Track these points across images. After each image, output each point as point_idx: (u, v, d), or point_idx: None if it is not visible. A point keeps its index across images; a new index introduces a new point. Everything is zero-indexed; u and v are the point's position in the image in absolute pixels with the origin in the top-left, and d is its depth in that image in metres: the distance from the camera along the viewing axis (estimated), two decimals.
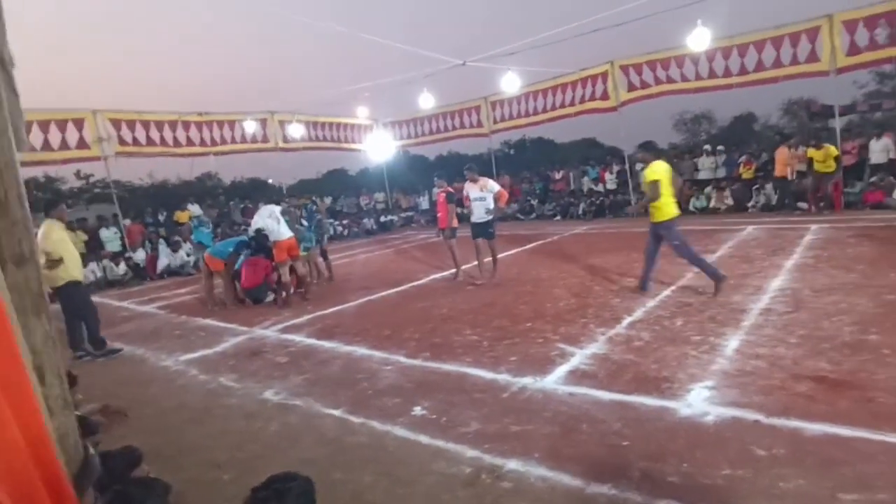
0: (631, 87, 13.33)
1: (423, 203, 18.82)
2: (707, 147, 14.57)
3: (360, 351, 4.81)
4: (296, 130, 15.63)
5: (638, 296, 5.62)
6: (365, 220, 17.47)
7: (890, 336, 3.78)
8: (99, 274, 11.08)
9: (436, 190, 7.90)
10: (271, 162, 18.03)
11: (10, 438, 0.67)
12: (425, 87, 13.71)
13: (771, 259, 6.73)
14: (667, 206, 5.41)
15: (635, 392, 3.31)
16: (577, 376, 3.68)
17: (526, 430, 2.99)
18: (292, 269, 7.27)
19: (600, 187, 15.45)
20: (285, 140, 15.82)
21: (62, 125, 11.54)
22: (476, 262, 7.34)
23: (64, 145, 11.61)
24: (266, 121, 15.43)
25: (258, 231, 7.13)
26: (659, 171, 5.41)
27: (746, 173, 12.84)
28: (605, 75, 13.59)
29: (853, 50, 10.52)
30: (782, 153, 11.61)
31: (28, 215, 0.93)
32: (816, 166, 10.59)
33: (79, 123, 11.78)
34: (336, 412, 3.51)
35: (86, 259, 11.26)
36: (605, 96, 13.72)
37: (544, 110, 15.08)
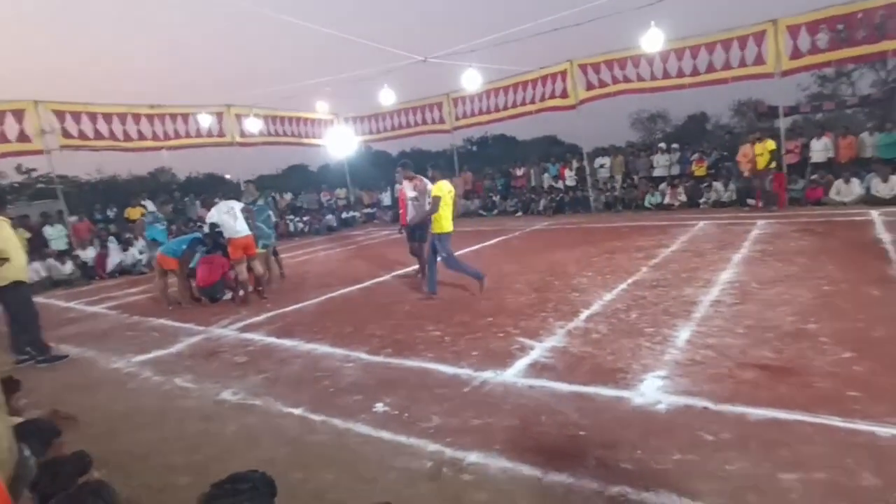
0: (589, 86, 13.62)
1: (386, 199, 18.70)
2: (662, 145, 15.06)
3: (322, 349, 4.76)
4: (253, 125, 15.26)
5: (595, 289, 5.77)
6: (326, 217, 17.23)
7: (827, 324, 4.02)
8: (43, 273, 10.51)
9: (397, 185, 7.79)
10: (228, 157, 17.50)
11: None
12: (386, 84, 13.63)
13: (720, 253, 7.03)
14: (444, 220, 6.02)
15: (592, 383, 3.41)
16: (536, 369, 3.76)
17: (487, 423, 3.04)
18: (249, 268, 7.10)
19: (560, 184, 15.74)
20: (242, 134, 15.41)
21: (1, 116, 10.89)
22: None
23: (3, 138, 10.96)
24: (222, 114, 14.99)
25: (212, 226, 6.93)
26: (442, 189, 6.00)
27: (699, 170, 13.34)
28: (564, 74, 13.84)
29: (796, 53, 11.08)
30: (748, 150, 11.59)
31: None
32: (758, 161, 11.04)
33: (18, 115, 11.14)
34: (297, 411, 3.47)
35: (29, 258, 10.69)
36: (564, 94, 13.97)
37: (505, 107, 15.25)
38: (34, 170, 24.39)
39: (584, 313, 4.97)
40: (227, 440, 3.19)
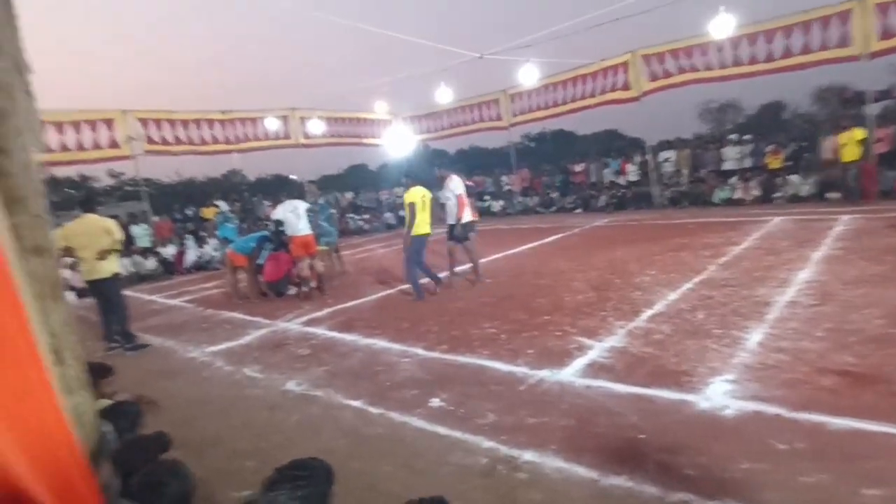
0: (653, 77, 13.10)
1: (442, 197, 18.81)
2: (733, 136, 14.24)
3: (380, 343, 4.87)
4: (316, 126, 15.80)
5: (658, 289, 5.56)
6: (385, 215, 17.58)
7: None
8: (131, 269, 11.41)
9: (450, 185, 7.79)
10: (293, 158, 18.23)
11: (25, 413, 0.73)
12: (442, 82, 13.70)
13: (798, 251, 6.57)
14: (420, 226, 6.38)
15: (653, 385, 3.29)
16: (594, 369, 3.68)
17: (542, 422, 3.01)
18: (311, 265, 7.38)
19: (622, 179, 15.24)
20: (306, 136, 16.01)
21: (93, 125, 11.89)
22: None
23: (95, 145, 11.96)
24: (287, 117, 15.63)
25: (277, 223, 7.26)
26: (415, 195, 6.36)
27: (773, 163, 12.51)
28: (625, 65, 13.38)
29: (886, 33, 10.13)
30: (833, 141, 10.76)
31: (45, 210, 1.00)
32: (843, 153, 10.21)
33: (109, 123, 12.12)
34: (356, 403, 3.58)
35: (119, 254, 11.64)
36: (626, 86, 13.51)
37: (564, 102, 14.94)
38: (122, 173, 26.52)
39: (647, 313, 4.80)
40: (291, 429, 3.34)
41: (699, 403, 3.00)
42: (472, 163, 24.63)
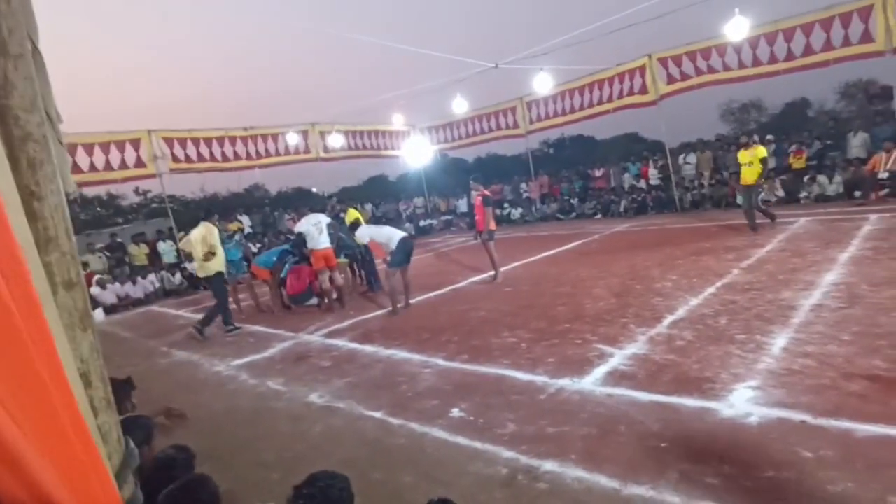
0: (670, 80, 12.98)
1: (462, 206, 18.91)
2: (755, 137, 13.97)
3: (400, 354, 4.92)
4: (335, 140, 16.04)
5: (680, 294, 5.49)
6: (405, 226, 17.70)
7: None
8: (157, 284, 11.71)
9: (473, 193, 7.94)
10: (314, 171, 18.52)
11: (60, 433, 0.79)
12: (458, 92, 13.79)
13: (824, 252, 6.42)
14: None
15: (675, 393, 3.26)
16: (615, 377, 3.65)
17: (563, 431, 3.00)
18: (331, 278, 7.49)
19: (642, 183, 15.08)
20: (326, 150, 16.25)
21: (121, 146, 12.28)
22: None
23: (123, 164, 12.34)
24: (307, 132, 15.90)
25: (299, 234, 7.40)
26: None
27: (797, 163, 12.26)
28: (642, 69, 13.30)
29: None
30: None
31: (74, 247, 1.10)
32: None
33: (135, 143, 12.51)
34: (377, 414, 3.62)
35: (146, 271, 11.98)
36: (643, 90, 13.42)
37: (581, 108, 14.89)
38: (149, 191, 27.16)
39: (668, 319, 4.75)
40: (314, 440, 3.40)
41: (722, 411, 2.96)
42: (491, 171, 24.65)
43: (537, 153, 25.54)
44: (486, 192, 7.67)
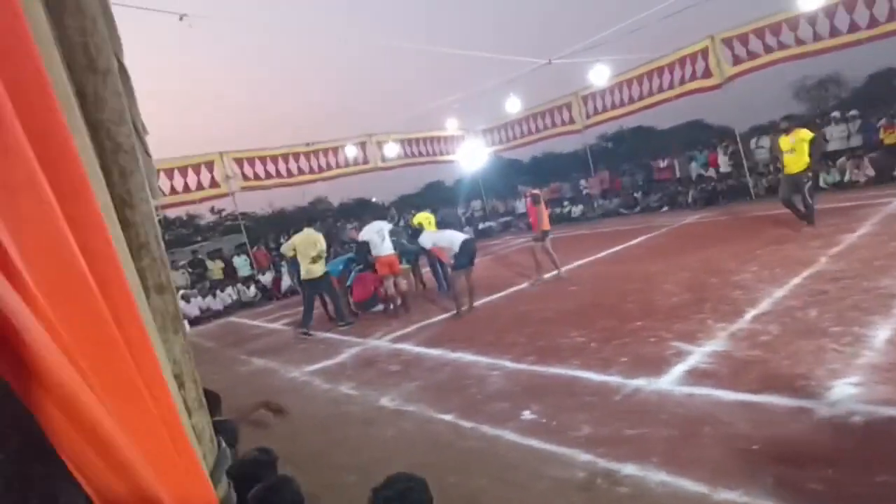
0: (737, 61, 12.22)
1: (521, 206, 18.71)
2: (836, 114, 12.93)
3: (467, 357, 4.90)
4: (392, 149, 16.35)
5: (762, 286, 5.13)
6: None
7: None
8: (234, 297, 12.38)
9: (524, 198, 7.99)
10: (373, 182, 18.97)
11: (158, 433, 0.83)
12: (511, 92, 13.68)
13: None
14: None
15: (764, 391, 3.04)
16: (695, 376, 3.46)
17: (642, 433, 2.87)
18: (396, 283, 7.61)
19: (711, 172, 14.30)
20: (383, 160, 16.61)
21: (197, 169, 13.13)
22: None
23: (199, 186, 13.18)
24: (365, 143, 16.32)
25: (363, 243, 7.60)
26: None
27: (889, 138, 11.19)
28: (705, 52, 12.62)
29: None
30: None
31: (164, 252, 1.16)
32: None
33: (209, 166, 13.33)
34: (447, 417, 3.62)
35: (223, 284, 12.71)
36: (707, 74, 12.73)
37: (640, 97, 14.32)
38: (223, 209, 28.85)
39: (750, 313, 4.45)
40: (387, 443, 3.44)
41: (820, 410, 2.72)
42: (548, 169, 24.26)
43: (595, 148, 24.85)
44: (535, 191, 7.57)
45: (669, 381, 3.45)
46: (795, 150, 7.42)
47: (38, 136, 0.71)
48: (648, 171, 16.37)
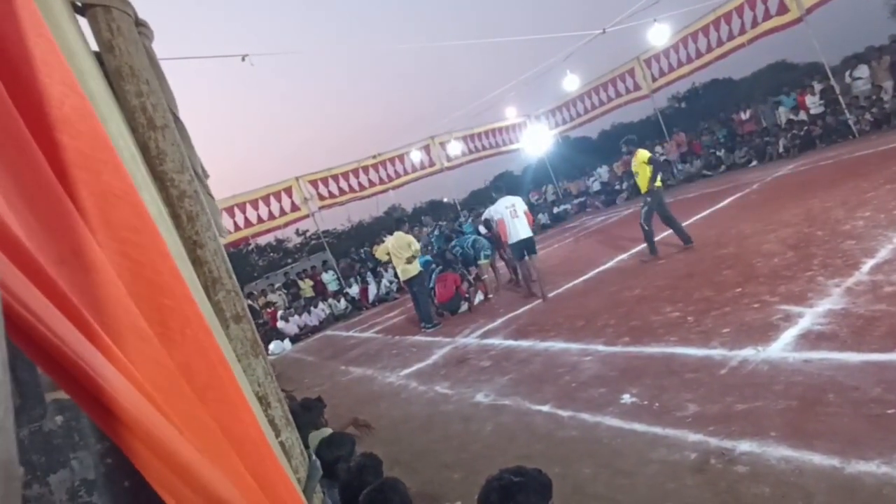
0: None
1: (595, 185, 18.09)
2: None
3: (557, 345, 4.83)
4: (454, 148, 16.45)
5: (880, 232, 4.61)
6: (538, 216, 17.44)
7: None
8: (327, 311, 13.05)
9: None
10: (442, 182, 19.14)
11: (243, 452, 0.90)
12: (568, 70, 13.28)
13: None
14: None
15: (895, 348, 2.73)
16: (810, 340, 3.18)
17: (755, 407, 2.69)
18: (479, 278, 7.68)
19: (802, 115, 13.02)
20: (448, 159, 16.75)
21: (277, 196, 14.00)
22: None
23: (282, 212, 14.05)
24: (428, 146, 16.56)
25: (486, 221, 8.00)
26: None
27: None
28: None
29: None
30: None
31: (236, 284, 1.26)
32: None
33: (288, 191, 14.16)
34: (544, 408, 3.59)
35: (315, 300, 13.44)
36: (782, 9, 11.61)
37: (709, 49, 13.36)
38: (307, 230, 30.48)
39: (868, 264, 4.01)
40: (487, 438, 3.48)
41: None
42: (619, 141, 23.24)
43: (667, 111, 23.52)
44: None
45: (780, 349, 3.19)
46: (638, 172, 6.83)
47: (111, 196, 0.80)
48: (729, 126, 15.22)
